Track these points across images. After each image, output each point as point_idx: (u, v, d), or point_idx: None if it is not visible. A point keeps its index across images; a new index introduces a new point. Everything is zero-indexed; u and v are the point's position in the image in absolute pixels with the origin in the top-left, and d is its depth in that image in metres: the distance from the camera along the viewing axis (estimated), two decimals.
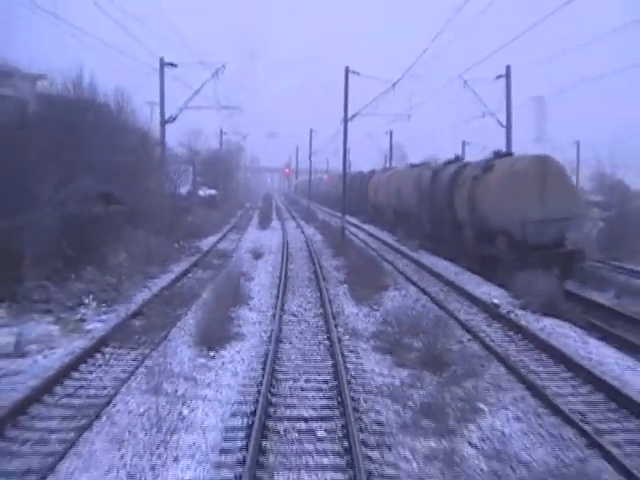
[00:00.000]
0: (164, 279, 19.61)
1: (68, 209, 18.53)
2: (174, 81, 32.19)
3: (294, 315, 15.20)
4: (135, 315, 14.57)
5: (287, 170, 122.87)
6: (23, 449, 7.67)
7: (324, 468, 7.25)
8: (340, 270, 22.50)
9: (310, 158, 60.61)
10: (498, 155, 23.51)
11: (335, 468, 7.26)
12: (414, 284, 19.60)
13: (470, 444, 7.93)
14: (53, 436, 8.06)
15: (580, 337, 13.82)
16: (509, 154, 24.07)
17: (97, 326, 13.76)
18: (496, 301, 16.86)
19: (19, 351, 11.63)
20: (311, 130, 57.42)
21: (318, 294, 17.87)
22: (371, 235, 37.11)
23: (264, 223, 45.85)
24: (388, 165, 57.86)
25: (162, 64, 30.00)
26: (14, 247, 15.70)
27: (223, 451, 7.62)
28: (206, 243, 30.50)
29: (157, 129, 34.30)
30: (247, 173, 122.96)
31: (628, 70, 30.21)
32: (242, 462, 7.16)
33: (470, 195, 22.92)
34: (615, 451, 7.78)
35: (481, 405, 9.25)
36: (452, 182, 25.14)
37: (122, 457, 7.35)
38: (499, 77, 29.99)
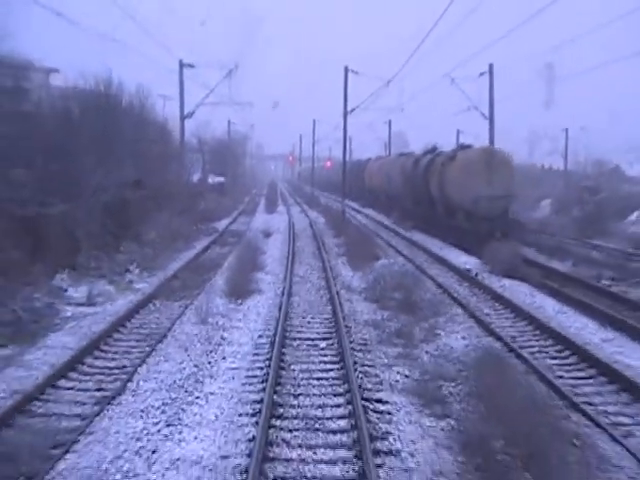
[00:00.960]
0: (190, 253, 23.14)
1: (110, 195, 22.05)
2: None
3: (301, 277, 18.73)
4: (172, 279, 18.06)
5: (291, 158, 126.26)
6: (115, 357, 11.16)
7: (325, 363, 10.73)
8: (340, 246, 25.98)
9: (313, 147, 64.00)
10: (461, 147, 29.08)
11: (332, 362, 10.74)
12: (402, 255, 23.07)
13: (426, 352, 11.38)
14: (135, 348, 11.58)
15: (530, 292, 17.29)
16: (469, 146, 28.86)
17: (144, 286, 17.28)
18: (468, 267, 20.40)
19: (91, 301, 15.15)
20: (314, 120, 60.74)
21: (321, 264, 21.35)
22: (369, 217, 40.63)
23: (270, 208, 49.29)
24: (387, 153, 61.20)
25: (181, 65, 33.40)
26: (71, 226, 19.16)
27: (255, 354, 11.14)
28: (220, 225, 34.03)
29: (171, 120, 37.80)
30: (252, 160, 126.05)
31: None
32: (269, 359, 10.61)
33: (439, 179, 28.17)
34: (526, 355, 11.23)
35: (439, 331, 12.72)
36: (427, 168, 30.37)
37: (188, 355, 10.89)
38: (482, 74, 33.28)
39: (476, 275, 19.16)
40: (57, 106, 23.60)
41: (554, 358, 11.40)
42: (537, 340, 12.60)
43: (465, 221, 26.05)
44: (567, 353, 11.62)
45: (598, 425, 8.07)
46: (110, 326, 12.64)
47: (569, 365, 11.02)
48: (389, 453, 7.29)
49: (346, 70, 33.26)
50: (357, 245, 24.32)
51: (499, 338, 12.29)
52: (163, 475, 6.70)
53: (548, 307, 15.47)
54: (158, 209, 27.61)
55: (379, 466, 6.89)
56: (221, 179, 59.80)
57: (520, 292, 17.15)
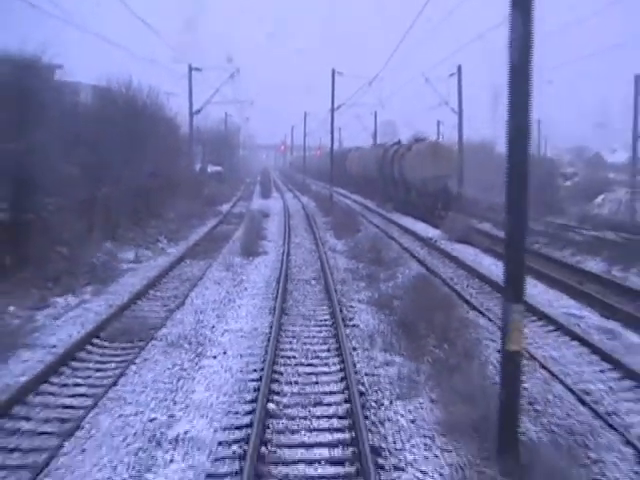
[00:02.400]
0: (204, 229, 28.07)
1: (137, 182, 26.87)
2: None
3: (297, 244, 23.71)
4: (194, 246, 22.96)
5: (282, 147, 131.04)
6: (170, 290, 16.08)
7: (314, 296, 15.64)
8: (328, 223, 30.99)
9: (304, 138, 68.82)
10: (416, 140, 36.94)
11: (321, 292, 15.70)
12: (379, 229, 28.08)
13: (385, 285, 16.30)
14: (182, 285, 16.52)
15: (476, 253, 22.31)
16: (423, 139, 36.75)
17: (174, 251, 22.21)
18: (430, 235, 25.44)
19: (138, 260, 20.07)
20: (305, 113, 65.57)
21: (312, 235, 26.32)
22: (355, 202, 45.60)
23: (266, 194, 54.21)
24: (374, 142, 66.19)
25: (190, 69, 38.27)
26: (111, 206, 24.00)
27: (268, 286, 16.11)
28: (223, 208, 38.94)
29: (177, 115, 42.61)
30: (244, 150, 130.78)
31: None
32: (276, 293, 15.49)
33: (399, 164, 36.70)
34: (460, 291, 16.19)
35: (397, 274, 17.68)
36: (392, 157, 38.68)
37: (221, 287, 15.88)
38: (452, 75, 38.24)
39: (435, 241, 24.19)
40: (90, 105, 28.28)
41: (475, 288, 16.45)
42: (467, 278, 17.65)
43: (417, 197, 34.94)
44: (488, 288, 16.60)
45: (481, 312, 13.11)
46: (159, 273, 17.57)
47: (483, 292, 16.07)
48: (352, 326, 12.31)
49: (333, 72, 38.19)
50: (342, 222, 29.32)
51: (438, 276, 17.30)
52: (222, 335, 11.68)
53: (484, 261, 20.50)
54: (172, 194, 32.54)
55: (346, 326, 11.93)
56: (219, 168, 64.69)
57: (467, 252, 22.17)
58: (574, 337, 11.78)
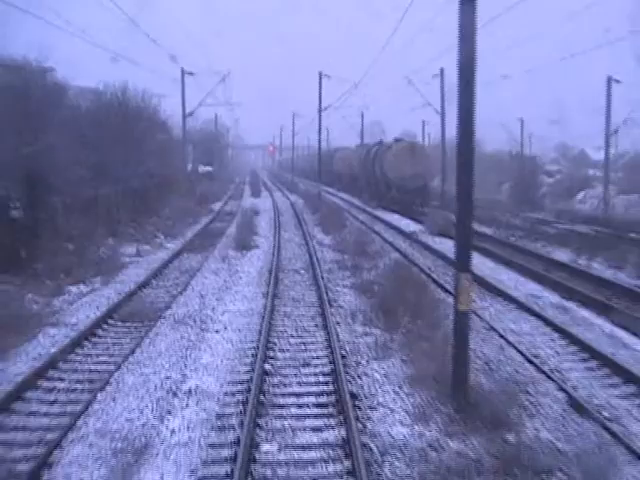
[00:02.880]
0: (198, 225, 29.57)
1: (135, 182, 28.35)
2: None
3: (286, 240, 25.26)
4: (191, 241, 24.48)
5: (271, 148, 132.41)
6: (168, 283, 17.59)
7: (303, 283, 17.20)
8: (316, 220, 32.56)
9: (293, 138, 70.42)
10: (395, 140, 39.58)
11: (309, 280, 17.26)
12: (364, 224, 29.68)
13: (368, 273, 17.83)
14: (183, 275, 18.04)
15: (453, 245, 23.90)
16: (401, 140, 39.17)
17: (172, 246, 23.70)
18: (412, 229, 27.05)
19: (139, 254, 21.56)
20: (293, 114, 67.16)
21: (301, 231, 27.89)
22: (343, 200, 47.20)
23: (255, 193, 55.68)
24: (361, 142, 67.85)
25: (183, 73, 39.75)
26: (112, 204, 25.48)
27: (261, 275, 17.65)
28: (215, 206, 40.43)
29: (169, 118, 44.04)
30: (233, 151, 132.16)
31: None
32: (268, 281, 17.03)
33: (380, 163, 39.12)
34: (435, 277, 17.79)
35: (380, 264, 19.23)
36: (374, 156, 41.35)
37: (218, 276, 17.42)
38: (435, 76, 39.84)
39: (416, 235, 25.82)
40: (90, 108, 29.70)
41: (449, 275, 18.00)
42: (443, 267, 19.25)
43: (397, 193, 37.33)
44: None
45: (451, 293, 14.70)
46: (160, 265, 19.08)
47: None
48: (337, 306, 13.91)
49: (320, 75, 39.79)
50: (329, 218, 30.88)
51: (417, 265, 18.90)
52: (222, 314, 13.24)
53: None
54: (167, 193, 34.06)
55: (331, 307, 13.51)
56: (209, 168, 66.18)
57: (445, 244, 23.69)
58: (532, 313, 13.42)
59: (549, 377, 9.51)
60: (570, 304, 14.49)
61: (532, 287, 16.48)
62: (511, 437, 7.11)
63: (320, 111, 41.16)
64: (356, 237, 23.94)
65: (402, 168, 36.35)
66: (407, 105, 75.51)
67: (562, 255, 22.00)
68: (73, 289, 15.88)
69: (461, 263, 8.08)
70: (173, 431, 7.73)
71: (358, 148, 53.49)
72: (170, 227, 27.36)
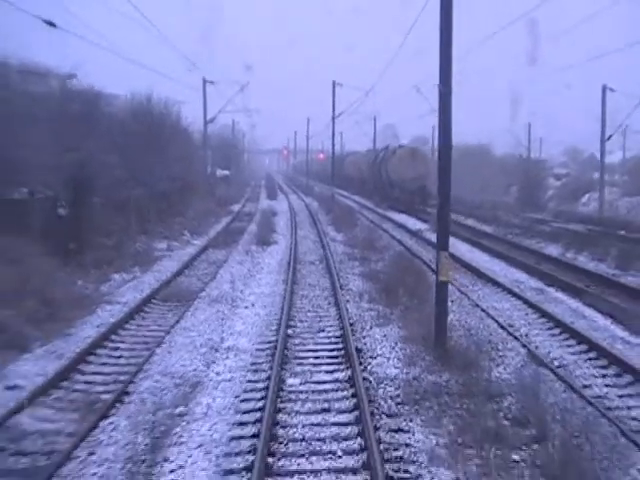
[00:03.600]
0: (220, 225, 31.99)
1: (162, 185, 30.78)
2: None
3: (302, 236, 27.60)
4: (215, 238, 26.87)
5: (285, 152, 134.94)
6: (199, 272, 19.94)
7: (318, 272, 19.51)
8: (329, 219, 34.90)
9: (307, 142, 72.77)
10: (399, 146, 43.62)
11: (323, 269, 19.58)
12: (374, 223, 31.97)
13: (375, 264, 20.12)
14: (211, 266, 20.39)
15: (455, 242, 26.00)
16: (404, 145, 43.67)
17: (198, 242, 26.09)
18: (418, 227, 29.32)
19: (170, 249, 23.96)
20: (308, 119, 69.56)
21: (315, 229, 30.23)
22: (355, 202, 49.52)
23: (272, 195, 58.18)
24: (373, 146, 70.21)
25: (204, 82, 42.24)
26: (143, 206, 27.89)
27: (281, 266, 19.98)
28: (234, 208, 42.85)
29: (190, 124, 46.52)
30: (248, 155, 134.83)
31: None
32: (287, 270, 19.35)
33: (386, 167, 43.68)
34: (434, 267, 20.00)
35: (386, 257, 21.50)
36: (381, 160, 45.92)
37: (243, 266, 19.77)
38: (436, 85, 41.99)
39: (421, 232, 28.09)
40: (120, 117, 32.17)
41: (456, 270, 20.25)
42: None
43: (400, 193, 42.06)
44: (458, 265, 20.42)
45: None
46: (190, 258, 21.46)
47: (453, 268, 19.88)
48: (347, 289, 16.23)
49: (334, 83, 42.17)
50: (342, 218, 33.24)
51: (418, 257, 21.16)
52: (249, 295, 15.59)
53: (461, 248, 24.32)
54: (190, 196, 36.49)
55: (342, 290, 15.83)
56: (226, 172, 68.67)
57: None
58: (514, 295, 15.66)
59: (517, 339, 11.75)
60: (548, 289, 16.74)
61: (519, 276, 18.72)
62: (476, 374, 9.36)
63: (334, 118, 43.50)
64: (366, 234, 26.26)
65: (404, 171, 40.97)
66: (417, 112, 77.65)
67: (553, 250, 24.19)
68: (116, 277, 18.24)
69: (441, 244, 10.39)
70: (218, 373, 10.06)
71: (367, 153, 57.57)
72: (195, 226, 29.76)
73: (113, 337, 12.19)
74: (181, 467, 6.99)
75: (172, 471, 6.91)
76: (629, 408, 8.73)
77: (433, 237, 26.84)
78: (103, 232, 22.18)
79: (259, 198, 57.00)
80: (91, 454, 7.33)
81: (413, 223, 32.44)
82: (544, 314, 13.67)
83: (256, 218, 35.72)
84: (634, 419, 8.35)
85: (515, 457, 6.98)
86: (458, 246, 24.43)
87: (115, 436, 7.79)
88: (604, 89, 37.07)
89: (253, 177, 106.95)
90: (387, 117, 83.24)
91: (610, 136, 37.09)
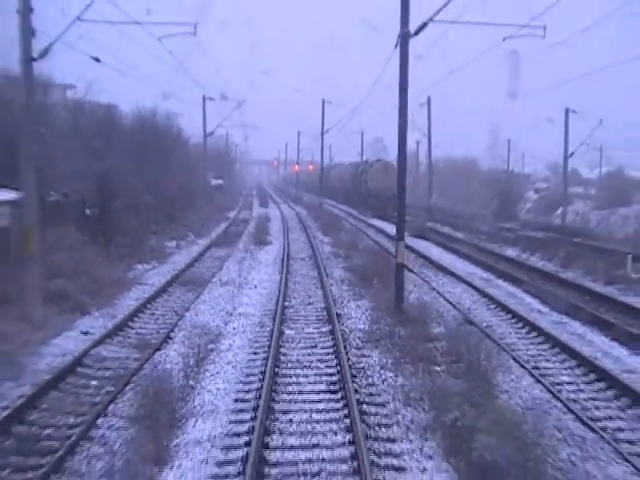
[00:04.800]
0: (221, 228, 35.65)
1: (168, 192, 34.37)
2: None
3: (294, 239, 31.28)
4: (217, 239, 30.49)
5: (275, 162, 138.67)
6: (208, 264, 23.57)
7: (307, 265, 23.17)
8: (318, 225, 38.57)
9: (297, 154, 76.59)
10: (377, 160, 48.86)
11: (312, 264, 23.24)
12: (357, 229, 35.69)
13: (357, 261, 23.76)
14: (216, 261, 24.01)
15: (427, 245, 29.89)
16: (379, 160, 48.62)
17: (202, 242, 29.70)
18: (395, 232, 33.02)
19: (179, 247, 27.55)
20: (298, 132, 73.38)
21: (305, 233, 33.92)
22: (342, 210, 53.29)
23: (264, 204, 61.88)
24: (361, 158, 74.11)
25: (204, 98, 46.01)
26: (150, 209, 31.44)
27: (276, 261, 23.64)
28: (230, 214, 46.50)
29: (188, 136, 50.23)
30: (240, 165, 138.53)
31: None
32: (282, 264, 22.98)
33: (364, 178, 49.61)
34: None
35: (365, 254, 25.14)
36: (361, 172, 51.45)
37: (243, 262, 23.41)
38: (422, 104, 45.90)
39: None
40: (132, 130, 35.76)
41: (418, 263, 23.98)
42: (418, 260, 25.16)
43: (375, 202, 47.42)
44: (427, 263, 24.13)
45: (413, 272, 20.72)
46: (197, 254, 25.07)
47: (425, 265, 23.63)
48: (331, 277, 19.91)
49: (323, 101, 45.99)
50: (329, 224, 36.94)
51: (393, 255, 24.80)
52: (252, 281, 19.22)
53: (434, 251, 28.04)
54: (192, 202, 40.12)
55: (327, 277, 19.52)
56: (220, 181, 72.32)
57: (421, 245, 29.72)
58: (466, 283, 19.37)
59: (458, 309, 15.46)
60: (496, 279, 20.49)
61: (475, 270, 22.47)
62: (422, 328, 13.03)
63: (322, 134, 47.32)
64: (350, 237, 29.97)
65: (379, 182, 46.34)
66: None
67: (511, 252, 27.96)
68: (139, 267, 21.83)
69: (399, 235, 14.12)
70: (234, 327, 13.73)
71: (350, 165, 62.89)
72: (198, 228, 33.40)
73: (149, 306, 15.81)
74: (217, 373, 10.64)
75: (212, 375, 10.55)
76: (526, 347, 12.47)
77: (407, 241, 30.64)
78: (121, 231, 25.74)
79: (252, 206, 60.66)
80: (155, 366, 10.92)
81: (391, 229, 35.99)
82: (485, 295, 17.40)
83: (251, 223, 39.41)
84: (520, 350, 12.08)
85: (437, 368, 10.65)
86: (432, 249, 28.24)
87: (169, 359, 11.39)
88: (567, 111, 41.04)
89: (245, 187, 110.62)
90: (377, 130, 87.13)
91: (572, 153, 40.98)
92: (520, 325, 14.33)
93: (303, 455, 7.60)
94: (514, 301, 16.72)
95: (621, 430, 8.76)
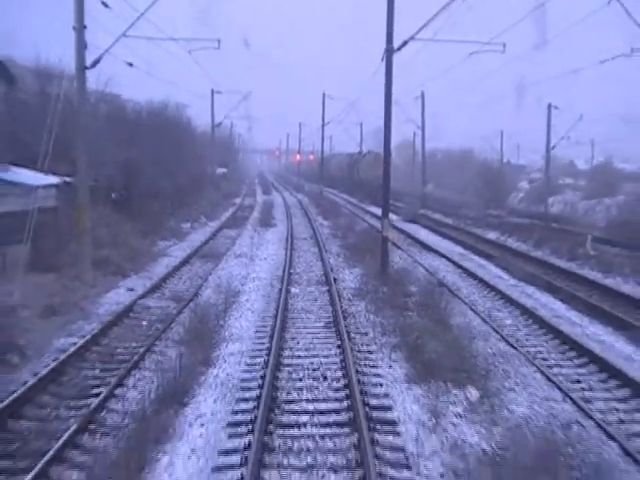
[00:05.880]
0: (228, 213, 38.80)
1: (181, 180, 37.48)
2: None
3: (296, 223, 34.43)
4: (227, 221, 33.64)
5: (277, 152, 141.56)
6: (221, 242, 26.73)
7: (309, 243, 26.34)
8: (318, 211, 41.72)
9: (299, 144, 79.59)
10: (368, 152, 52.35)
11: (313, 242, 26.41)
12: (355, 214, 38.85)
13: (352, 240, 26.91)
14: (228, 240, 27.18)
15: (417, 228, 33.07)
16: (370, 151, 52.26)
17: (213, 224, 32.85)
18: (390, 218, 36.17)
19: (193, 228, 30.71)
20: (300, 124, 76.48)
21: (307, 217, 37.08)
22: (342, 198, 56.44)
23: (267, 192, 65.00)
24: (360, 149, 77.17)
25: (212, 92, 49.06)
26: (169, 196, 34.56)
27: (281, 240, 26.81)
28: (236, 201, 49.64)
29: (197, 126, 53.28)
30: (243, 154, 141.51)
31: None
32: (286, 242, 26.13)
33: (357, 167, 54.75)
34: (396, 242, 26.90)
35: (360, 235, 28.29)
36: (354, 163, 54.33)
37: (253, 239, 26.62)
38: (416, 98, 48.92)
39: (392, 221, 34.93)
40: (148, 124, 38.83)
41: (407, 243, 27.15)
42: (404, 240, 28.35)
43: (367, 189, 50.42)
44: (414, 242, 27.31)
45: (401, 248, 23.90)
46: (211, 234, 28.23)
47: (412, 244, 26.80)
48: (329, 252, 23.09)
49: (324, 95, 49.04)
50: (329, 210, 40.08)
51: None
52: (261, 254, 22.40)
53: (422, 233, 31.22)
54: (201, 189, 43.27)
55: (326, 252, 22.72)
56: (224, 170, 75.45)
57: (411, 228, 32.92)
58: (445, 257, 22.54)
59: (433, 275, 18.63)
60: (471, 255, 23.67)
61: (455, 248, 25.67)
62: (401, 288, 16.20)
63: (323, 126, 50.40)
64: (347, 221, 33.10)
65: (370, 171, 50.24)
66: (398, 120, 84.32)
67: (492, 235, 31.10)
68: (161, 243, 24.98)
69: (384, 214, 17.27)
70: (250, 287, 16.93)
71: (346, 156, 66.36)
72: (209, 212, 36.56)
73: (177, 272, 18.99)
74: (240, 316, 13.85)
75: (236, 317, 13.75)
76: (484, 302, 15.66)
77: (400, 224, 33.87)
78: (143, 213, 28.90)
79: (255, 193, 63.80)
80: (192, 312, 14.08)
81: None
82: (459, 267, 20.60)
83: (256, 209, 42.56)
84: (478, 303, 15.29)
85: (409, 313, 13.83)
86: (420, 232, 31.41)
87: (200, 308, 14.53)
88: (549, 107, 44.09)
89: (247, 175, 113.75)
90: (378, 121, 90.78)
91: (554, 145, 44.08)
92: (482, 287, 17.55)
93: (307, 361, 10.79)
94: (483, 271, 19.92)
95: (540, 353, 11.94)
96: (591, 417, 8.60)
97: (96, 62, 17.04)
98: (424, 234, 30.53)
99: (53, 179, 19.66)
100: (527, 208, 56.37)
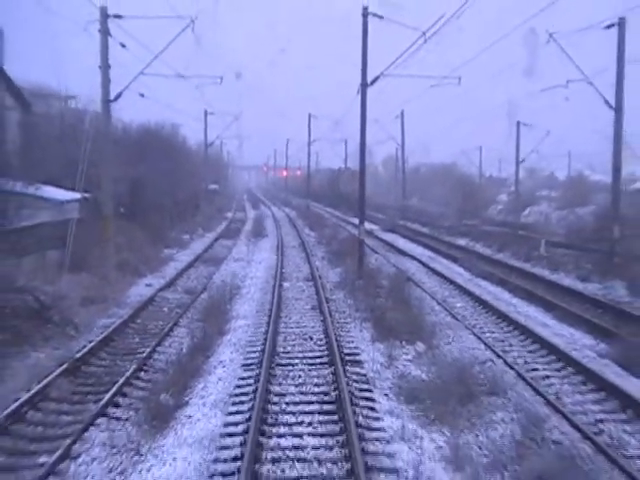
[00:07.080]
0: (222, 225, 42.13)
1: (179, 195, 40.76)
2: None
3: (285, 233, 37.77)
4: (222, 232, 36.93)
5: (265, 168, 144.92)
6: (219, 250, 30.00)
7: (298, 250, 29.66)
8: (305, 223, 45.09)
9: (286, 160, 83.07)
10: (347, 168, 56.50)
11: (300, 249, 29.74)
12: (339, 226, 42.23)
13: (335, 247, 30.26)
14: (225, 248, 30.48)
15: (395, 237, 36.46)
16: (349, 168, 56.30)
17: (210, 235, 36.14)
18: (372, 228, 39.64)
19: (192, 239, 33.95)
20: (287, 140, 79.95)
21: (295, 229, 40.45)
22: (327, 212, 59.84)
23: (256, 206, 68.40)
24: (345, 165, 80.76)
25: (205, 113, 52.39)
26: (165, 209, 37.79)
27: (272, 248, 30.13)
28: (228, 215, 52.96)
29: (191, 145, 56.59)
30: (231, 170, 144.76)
31: None
32: (277, 249, 29.44)
33: (338, 182, 56.89)
34: (375, 248, 30.26)
35: (343, 243, 31.65)
36: (336, 177, 58.57)
37: (248, 248, 29.93)
38: (396, 117, 52.49)
39: (373, 231, 38.38)
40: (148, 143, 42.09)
41: (385, 250, 30.52)
42: (383, 247, 31.71)
43: (346, 202, 54.41)
44: (392, 249, 30.70)
45: (378, 252, 27.28)
46: (209, 243, 31.53)
47: (390, 250, 30.20)
48: (315, 256, 26.43)
49: (309, 115, 52.59)
50: (315, 223, 43.46)
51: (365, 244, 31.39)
52: (256, 259, 25.72)
53: (399, 241, 34.61)
54: (197, 204, 46.58)
55: (312, 257, 26.08)
56: (215, 186, 78.80)
57: (389, 236, 36.32)
58: (417, 260, 25.92)
59: (403, 272, 21.98)
60: (439, 258, 27.08)
61: (426, 252, 29.10)
62: (374, 281, 19.52)
63: (309, 144, 53.92)
64: (331, 232, 36.43)
65: (348, 185, 53.56)
66: (379, 138, 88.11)
67: (461, 241, 34.53)
68: (166, 251, 28.22)
69: (360, 222, 20.67)
70: (249, 283, 20.24)
71: (328, 172, 71.02)
72: (205, 225, 39.86)
73: (185, 273, 22.28)
74: (243, 302, 17.19)
75: (240, 304, 17.07)
76: (442, 292, 19.04)
77: (380, 234, 37.26)
78: (147, 225, 32.14)
79: (245, 208, 67.18)
80: (204, 300, 17.34)
81: (367, 225, 42.70)
82: (427, 267, 23.99)
83: (248, 222, 45.88)
84: (437, 293, 18.67)
85: (379, 299, 17.15)
86: (398, 240, 34.81)
87: (210, 298, 17.80)
88: (518, 124, 47.84)
89: (236, 191, 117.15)
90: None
91: (523, 159, 47.80)
92: (443, 281, 20.97)
93: (298, 329, 14.14)
94: (447, 270, 23.32)
95: (478, 324, 15.29)
96: (501, 357, 11.97)
97: (118, 96, 20.35)
98: (402, 242, 33.92)
99: (76, 195, 22.91)
100: (504, 219, 59.97)
